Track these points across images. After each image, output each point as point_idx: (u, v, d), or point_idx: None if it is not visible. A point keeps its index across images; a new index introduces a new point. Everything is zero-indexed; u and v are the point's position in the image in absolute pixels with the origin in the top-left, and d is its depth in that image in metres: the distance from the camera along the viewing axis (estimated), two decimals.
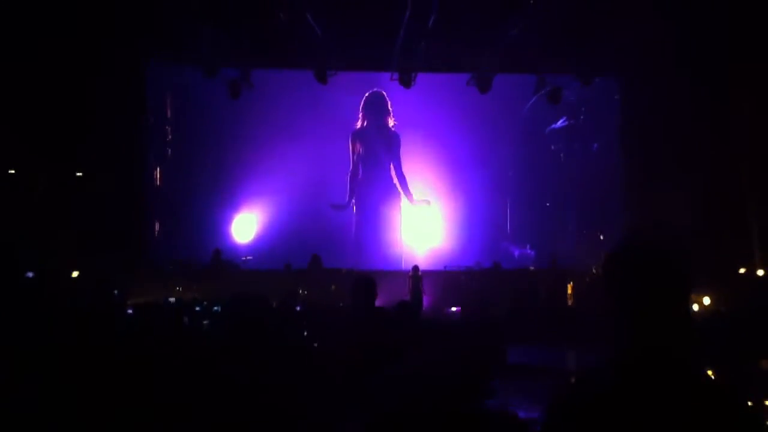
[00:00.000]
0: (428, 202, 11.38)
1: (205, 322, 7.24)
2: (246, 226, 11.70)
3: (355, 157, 11.30)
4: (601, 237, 11.21)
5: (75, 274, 8.70)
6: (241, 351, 4.11)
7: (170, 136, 11.40)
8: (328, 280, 9.24)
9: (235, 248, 11.31)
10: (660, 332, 1.54)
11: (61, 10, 8.23)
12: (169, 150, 11.42)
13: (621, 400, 1.50)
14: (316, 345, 5.40)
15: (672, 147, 9.83)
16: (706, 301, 9.02)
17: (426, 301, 9.18)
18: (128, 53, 9.88)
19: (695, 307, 8.81)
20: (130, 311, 6.72)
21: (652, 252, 1.61)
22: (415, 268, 9.38)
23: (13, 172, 9.05)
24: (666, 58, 9.07)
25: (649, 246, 1.62)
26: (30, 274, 7.74)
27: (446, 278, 9.93)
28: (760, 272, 9.06)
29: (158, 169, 11.21)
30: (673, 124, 9.75)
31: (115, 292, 7.97)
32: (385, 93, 11.22)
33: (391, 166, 11.26)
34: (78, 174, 9.63)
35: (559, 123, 12.19)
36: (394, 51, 9.31)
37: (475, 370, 4.26)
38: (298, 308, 7.57)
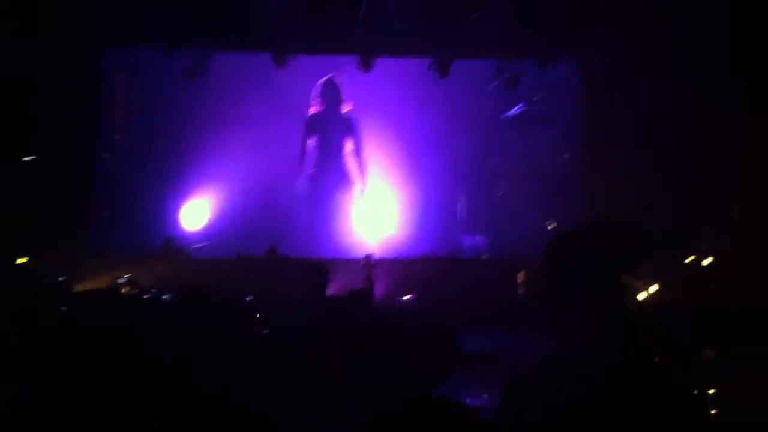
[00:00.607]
0: (377, 192, 11.33)
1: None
2: (197, 213, 11.48)
3: (305, 142, 11.15)
4: (551, 226, 11.29)
5: (22, 260, 8.44)
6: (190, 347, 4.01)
7: (122, 122, 11.13)
8: (283, 269, 9.13)
9: (185, 236, 11.08)
10: (600, 315, 1.52)
11: None
12: (120, 136, 11.16)
13: (575, 386, 1.49)
14: (266, 333, 5.31)
15: (630, 134, 9.96)
16: (653, 289, 9.17)
17: (379, 289, 9.15)
18: (83, 36, 9.66)
19: (642, 295, 8.95)
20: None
21: (591, 234, 1.59)
22: (368, 256, 9.34)
23: None
24: (628, 40, 9.16)
25: (589, 228, 1.60)
26: None
27: (400, 267, 9.92)
28: (706, 261, 9.24)
29: (108, 154, 10.96)
30: (633, 110, 9.87)
31: (60, 279, 7.77)
32: (338, 80, 11.12)
33: (351, 149, 11.15)
34: (24, 159, 9.35)
35: (515, 109, 12.22)
36: (354, 34, 9.26)
37: (425, 359, 4.22)
38: (248, 299, 7.47)
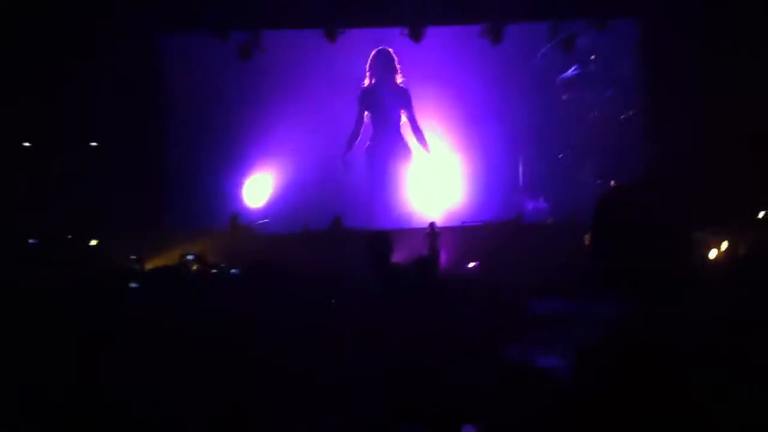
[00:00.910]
0: (440, 156, 11.31)
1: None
2: (259, 189, 11.72)
3: (361, 114, 11.17)
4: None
5: (93, 242, 8.80)
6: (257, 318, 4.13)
7: (184, 105, 11.38)
8: (348, 241, 9.27)
9: (250, 212, 11.35)
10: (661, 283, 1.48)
11: None
12: (183, 119, 11.43)
13: (645, 347, 1.48)
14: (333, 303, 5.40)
15: (693, 91, 9.68)
16: (724, 246, 8.95)
17: (444, 257, 9.19)
18: (139, 24, 9.89)
19: (713, 253, 8.74)
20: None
21: (645, 192, 1.54)
22: (432, 224, 9.37)
23: (28, 144, 9.11)
24: None
25: (643, 185, 1.56)
26: (32, 241, 7.84)
27: (463, 234, 9.93)
28: None
29: (173, 138, 11.27)
30: (696, 67, 9.58)
31: (132, 257, 8.08)
32: (391, 50, 11.06)
33: (406, 120, 11.13)
34: (92, 144, 9.70)
35: (570, 71, 11.99)
36: (403, 5, 9.22)
37: (494, 322, 4.26)
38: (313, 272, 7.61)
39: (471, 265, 9.16)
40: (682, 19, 9.56)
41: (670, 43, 10.04)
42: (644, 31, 10.82)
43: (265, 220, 11.02)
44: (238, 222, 10.40)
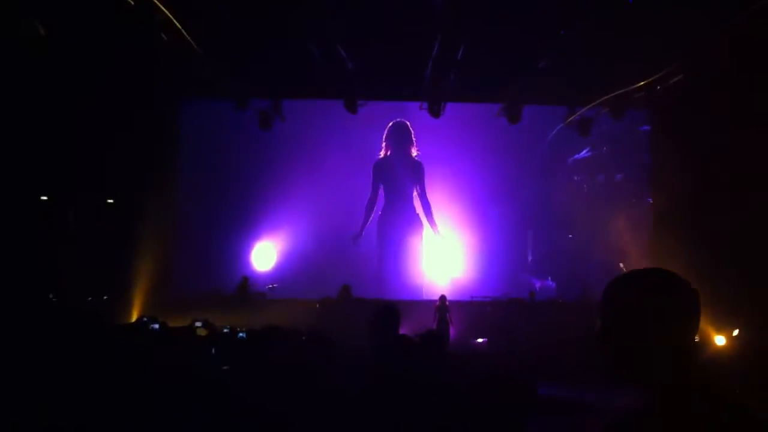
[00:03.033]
0: (449, 235, 11.34)
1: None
2: (267, 254, 11.76)
3: (376, 186, 11.30)
4: (624, 269, 11.11)
5: (106, 297, 8.82)
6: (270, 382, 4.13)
7: (199, 168, 11.51)
8: (357, 310, 9.25)
9: (259, 277, 11.36)
10: (664, 363, 1.48)
11: (97, 48, 8.41)
12: (196, 182, 11.55)
13: None
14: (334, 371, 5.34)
15: (702, 181, 9.78)
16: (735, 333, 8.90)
17: (452, 331, 9.14)
18: (163, 90, 10.12)
19: (722, 340, 8.67)
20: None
21: (654, 276, 1.56)
22: (442, 297, 9.35)
23: (45, 198, 9.22)
24: (701, 91, 9.04)
25: (652, 271, 1.57)
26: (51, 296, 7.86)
27: (472, 309, 9.89)
28: None
29: (187, 203, 11.39)
30: (706, 158, 9.70)
31: (145, 318, 8.08)
32: (408, 122, 11.28)
33: (416, 195, 11.25)
34: (109, 201, 9.80)
35: (582, 153, 12.19)
36: (423, 81, 9.41)
37: (504, 402, 4.22)
38: (321, 338, 7.55)
39: (480, 340, 9.11)
40: (692, 113, 9.75)
41: (679, 135, 10.22)
42: (654, 123, 11.05)
43: (274, 286, 11.01)
44: (247, 286, 10.40)
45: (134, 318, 9.02)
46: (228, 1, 7.51)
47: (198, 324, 8.68)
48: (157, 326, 6.89)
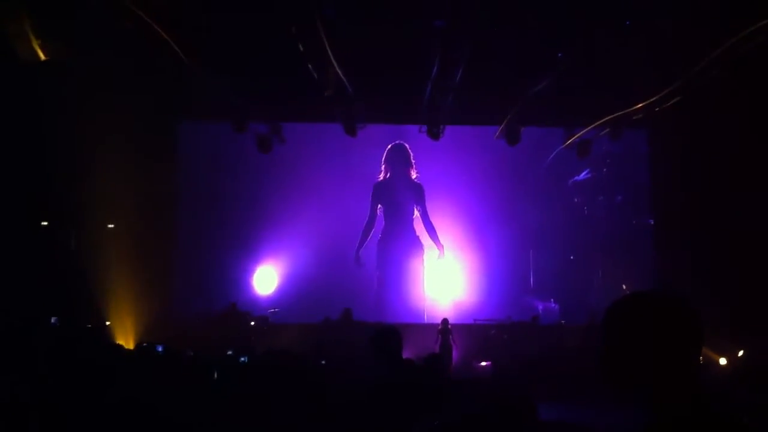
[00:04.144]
0: (452, 257, 11.32)
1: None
2: (268, 278, 11.72)
3: (374, 208, 11.27)
4: (627, 291, 11.06)
5: (108, 323, 8.78)
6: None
7: (198, 190, 11.52)
8: (358, 333, 9.20)
9: (258, 301, 11.31)
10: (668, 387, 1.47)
11: (96, 70, 8.46)
12: (194, 204, 11.55)
13: None
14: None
15: (702, 200, 9.80)
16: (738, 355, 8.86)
17: (455, 354, 9.09)
18: (162, 113, 10.16)
19: (723, 361, 8.63)
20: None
21: (657, 298, 1.55)
22: (445, 321, 9.30)
23: (46, 224, 9.22)
24: (699, 111, 9.08)
25: (655, 294, 1.57)
26: (53, 320, 7.82)
27: (475, 332, 9.84)
28: None
29: (184, 225, 11.38)
30: (706, 176, 9.73)
31: (144, 344, 8.03)
32: (407, 145, 11.29)
33: (418, 216, 11.22)
34: (110, 226, 9.79)
35: (582, 175, 12.21)
36: (422, 104, 9.44)
37: (506, 426, 4.18)
38: (323, 362, 7.53)
39: (483, 364, 9.05)
40: (690, 133, 9.79)
41: (677, 154, 10.26)
42: (653, 143, 11.09)
43: (276, 310, 10.95)
44: (237, 310, 10.30)
45: (133, 343, 8.96)
46: (227, 24, 7.58)
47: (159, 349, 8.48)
48: (161, 349, 6.85)
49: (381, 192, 11.23)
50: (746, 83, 8.35)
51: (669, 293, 1.61)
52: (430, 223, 11.10)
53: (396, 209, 11.17)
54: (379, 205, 11.23)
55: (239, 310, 10.32)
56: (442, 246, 10.99)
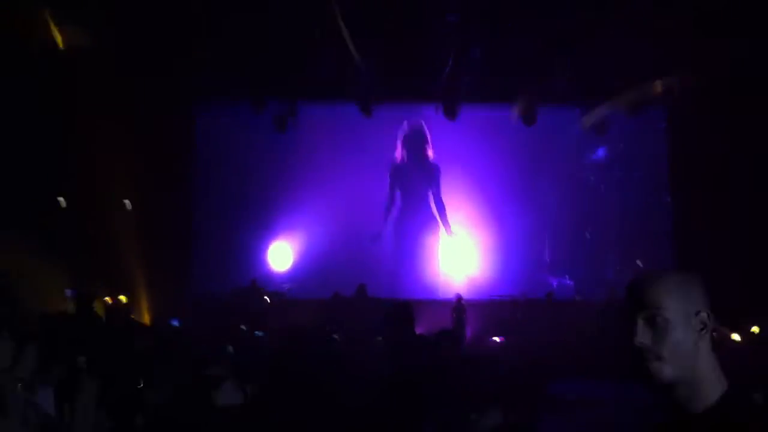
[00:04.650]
0: (462, 234, 11.34)
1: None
2: (287, 256, 11.79)
3: (393, 189, 11.31)
4: (642, 267, 11.03)
5: (124, 299, 8.92)
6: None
7: (214, 171, 11.57)
8: (372, 309, 9.27)
9: (276, 277, 11.40)
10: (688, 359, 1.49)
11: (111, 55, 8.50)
12: (213, 184, 11.62)
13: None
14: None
15: (722, 177, 9.71)
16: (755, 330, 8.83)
17: (468, 330, 9.13)
18: (179, 92, 10.19)
19: (736, 336, 8.62)
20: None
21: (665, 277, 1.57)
22: (459, 297, 9.33)
23: (61, 199, 9.33)
24: (717, 90, 8.96)
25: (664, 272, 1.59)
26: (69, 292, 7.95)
27: (489, 308, 9.86)
28: None
29: (203, 207, 11.47)
30: (723, 154, 9.63)
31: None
32: (424, 124, 11.26)
33: (431, 196, 11.25)
34: (126, 203, 9.89)
35: (599, 152, 12.11)
36: (438, 83, 9.38)
37: (517, 401, 4.23)
38: (336, 337, 7.60)
39: (497, 339, 9.08)
40: (708, 109, 9.67)
41: (695, 130, 10.15)
42: (671, 119, 10.96)
43: (291, 286, 11.04)
44: (258, 286, 10.40)
45: (149, 318, 9.10)
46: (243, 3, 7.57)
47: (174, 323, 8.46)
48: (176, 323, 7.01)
49: (398, 174, 11.29)
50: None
51: (685, 271, 1.63)
52: (442, 203, 11.16)
53: (413, 189, 11.23)
54: (397, 185, 11.28)
55: (258, 286, 10.45)
56: (450, 225, 11.04)
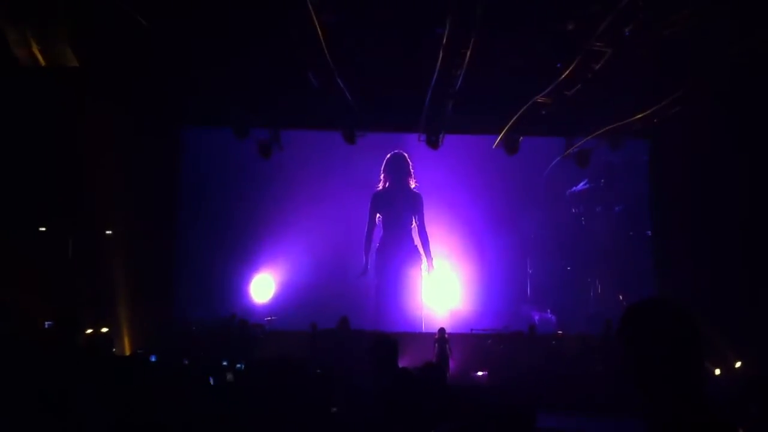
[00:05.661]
0: (443, 270, 11.29)
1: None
2: (265, 286, 11.69)
3: (373, 217, 11.28)
4: (624, 302, 11.07)
5: (104, 330, 8.73)
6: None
7: (197, 198, 11.50)
8: (355, 341, 9.18)
9: (253, 308, 11.28)
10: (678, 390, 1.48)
11: (100, 79, 8.46)
12: (197, 209, 11.54)
13: None
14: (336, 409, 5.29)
15: (702, 210, 9.79)
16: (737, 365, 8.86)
17: (452, 364, 9.06)
18: (163, 118, 10.15)
19: (717, 371, 8.63)
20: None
21: (667, 308, 1.57)
22: (442, 330, 9.27)
23: (43, 230, 9.19)
24: (700, 121, 9.07)
25: (665, 302, 1.59)
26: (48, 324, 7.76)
27: (471, 341, 9.81)
28: None
29: (184, 231, 11.36)
30: (705, 186, 9.72)
31: (139, 351, 8.00)
32: (406, 154, 11.29)
33: (415, 226, 11.23)
34: (108, 233, 9.75)
35: (581, 185, 12.21)
36: (421, 113, 9.41)
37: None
38: (318, 371, 7.48)
39: (480, 373, 9.01)
40: (690, 143, 9.78)
41: (678, 165, 10.25)
42: (653, 153, 11.06)
43: (272, 318, 10.92)
44: (237, 320, 10.24)
45: (129, 350, 8.92)
46: (228, 32, 7.57)
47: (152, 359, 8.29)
48: (154, 359, 6.83)
49: (380, 202, 11.25)
50: (746, 91, 8.37)
51: (669, 301, 1.62)
52: (426, 234, 11.13)
53: (394, 219, 11.18)
54: (378, 215, 11.25)
55: (239, 320, 10.30)
56: (432, 259, 11.02)
